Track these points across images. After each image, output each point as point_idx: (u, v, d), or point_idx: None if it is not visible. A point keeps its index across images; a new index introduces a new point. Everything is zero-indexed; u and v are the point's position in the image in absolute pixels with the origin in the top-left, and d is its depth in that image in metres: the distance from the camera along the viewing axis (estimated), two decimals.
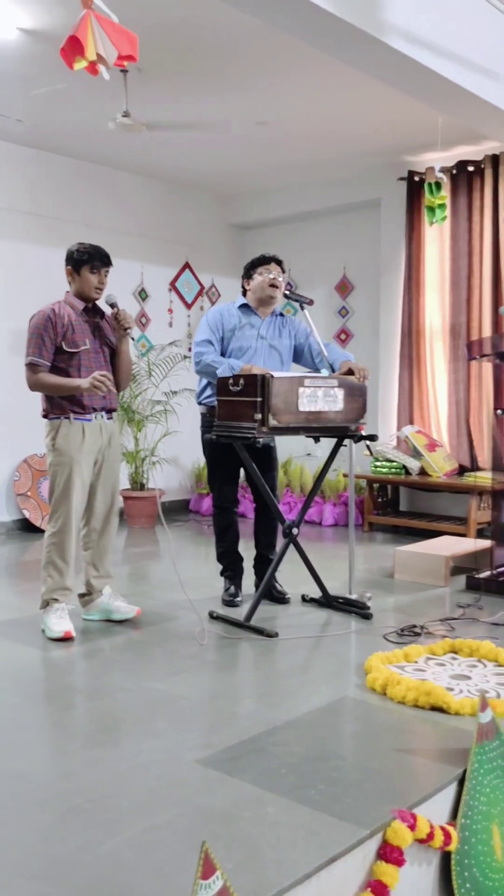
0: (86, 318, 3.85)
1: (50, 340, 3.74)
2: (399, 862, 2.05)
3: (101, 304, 3.92)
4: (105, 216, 7.14)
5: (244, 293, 4.37)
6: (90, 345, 3.82)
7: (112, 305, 3.86)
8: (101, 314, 3.94)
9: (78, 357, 3.78)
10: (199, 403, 4.41)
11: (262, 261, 4.30)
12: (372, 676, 3.11)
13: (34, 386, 3.79)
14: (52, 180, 6.81)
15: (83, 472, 3.79)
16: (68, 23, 4.35)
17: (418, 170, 6.80)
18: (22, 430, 6.55)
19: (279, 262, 4.32)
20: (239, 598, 4.37)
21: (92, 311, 3.90)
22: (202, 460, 7.82)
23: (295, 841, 2.01)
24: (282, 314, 4.42)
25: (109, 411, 3.91)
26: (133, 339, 3.91)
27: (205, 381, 4.34)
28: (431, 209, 5.37)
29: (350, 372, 4.08)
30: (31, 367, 3.75)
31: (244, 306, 4.35)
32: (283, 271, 4.33)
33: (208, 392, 4.30)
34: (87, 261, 3.79)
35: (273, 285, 4.25)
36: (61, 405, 3.77)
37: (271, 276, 4.24)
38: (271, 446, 4.40)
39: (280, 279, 4.26)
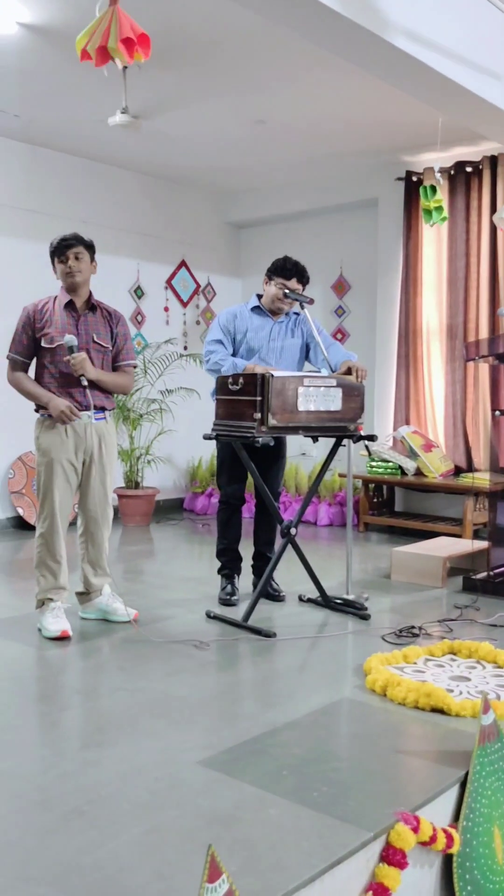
0: (71, 312, 3.80)
1: (28, 336, 3.77)
2: (402, 864, 2.04)
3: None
4: (101, 213, 7.11)
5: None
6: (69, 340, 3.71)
7: (70, 349, 3.69)
8: (94, 307, 3.88)
9: (56, 352, 3.74)
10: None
11: (285, 272, 4.23)
12: (372, 678, 3.10)
13: (10, 384, 3.82)
14: (49, 177, 6.78)
15: (66, 471, 3.75)
16: (68, 18, 4.34)
17: (416, 170, 6.79)
18: (16, 427, 6.50)
19: (301, 276, 4.25)
20: (236, 598, 4.35)
21: (84, 304, 3.84)
22: (197, 459, 7.82)
23: (298, 843, 1.99)
24: (296, 313, 4.40)
25: (100, 409, 3.80)
26: (84, 385, 3.69)
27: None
28: (428, 211, 5.35)
29: (349, 372, 4.07)
30: (9, 362, 3.81)
31: (256, 308, 4.34)
32: (305, 283, 4.29)
33: None
34: (54, 252, 3.79)
35: (283, 301, 4.24)
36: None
37: (284, 293, 4.21)
38: (281, 442, 4.38)
39: (286, 292, 4.21)
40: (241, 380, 3.78)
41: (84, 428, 3.77)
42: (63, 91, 5.42)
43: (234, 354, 4.27)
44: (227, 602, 4.31)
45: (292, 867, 1.89)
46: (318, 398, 3.86)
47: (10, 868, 1.89)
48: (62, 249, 3.77)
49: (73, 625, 3.76)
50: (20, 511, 6.49)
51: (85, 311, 3.84)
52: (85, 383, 3.69)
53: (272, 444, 3.81)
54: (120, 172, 7.31)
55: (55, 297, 3.85)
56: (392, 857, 2.03)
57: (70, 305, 3.81)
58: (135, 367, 4.07)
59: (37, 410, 3.82)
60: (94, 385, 3.76)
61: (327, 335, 4.44)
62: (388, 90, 5.04)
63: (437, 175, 5.40)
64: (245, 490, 4.49)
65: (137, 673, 3.26)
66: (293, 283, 4.23)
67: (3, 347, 6.40)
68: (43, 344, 3.74)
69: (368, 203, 7.23)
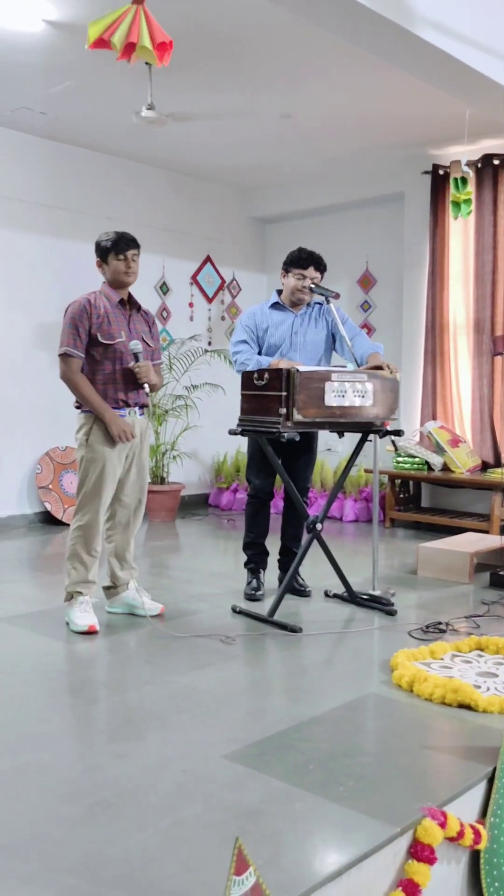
0: (121, 310, 3.83)
1: (84, 331, 3.71)
2: (430, 860, 2.03)
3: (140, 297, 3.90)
4: (127, 209, 7.13)
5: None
6: (126, 337, 3.79)
7: (135, 356, 3.77)
8: (138, 307, 3.92)
9: (113, 349, 3.76)
10: None
11: (300, 262, 4.23)
12: (398, 673, 3.09)
13: (67, 381, 3.75)
14: (74, 173, 6.81)
15: (115, 467, 3.78)
16: (93, 15, 4.34)
17: (443, 163, 6.74)
18: (44, 423, 6.58)
19: (318, 264, 4.25)
20: (261, 593, 4.36)
21: (128, 302, 3.88)
22: (222, 454, 7.83)
23: (324, 838, 2.00)
24: (319, 304, 4.39)
25: (142, 406, 3.89)
26: (147, 393, 3.83)
27: None
28: (457, 204, 5.32)
29: (378, 367, 4.04)
30: (65, 357, 3.71)
31: (276, 305, 4.34)
32: (322, 271, 4.28)
33: None
34: (112, 248, 3.77)
35: (302, 291, 4.24)
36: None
37: (303, 283, 4.21)
38: (311, 437, 4.38)
39: (312, 286, 4.21)
40: (266, 375, 3.78)
41: (132, 423, 3.81)
42: (89, 88, 5.44)
43: (259, 353, 4.28)
44: (252, 597, 4.32)
45: (319, 862, 1.89)
46: (347, 393, 3.84)
47: (39, 858, 1.90)
48: (124, 247, 3.77)
49: (100, 619, 3.78)
50: (48, 506, 6.54)
51: (132, 310, 3.87)
52: (147, 389, 3.79)
53: (298, 439, 3.80)
54: (145, 168, 7.33)
55: (100, 293, 3.82)
56: (420, 852, 2.03)
57: (121, 303, 3.84)
58: (161, 364, 4.12)
59: (79, 408, 3.82)
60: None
61: (353, 325, 4.41)
62: (415, 83, 5.00)
63: (465, 168, 5.36)
64: (274, 485, 4.49)
65: (164, 667, 3.28)
66: (311, 272, 4.22)
67: (29, 344, 6.49)
68: (101, 340, 3.72)
69: (394, 197, 7.19)
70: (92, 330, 3.71)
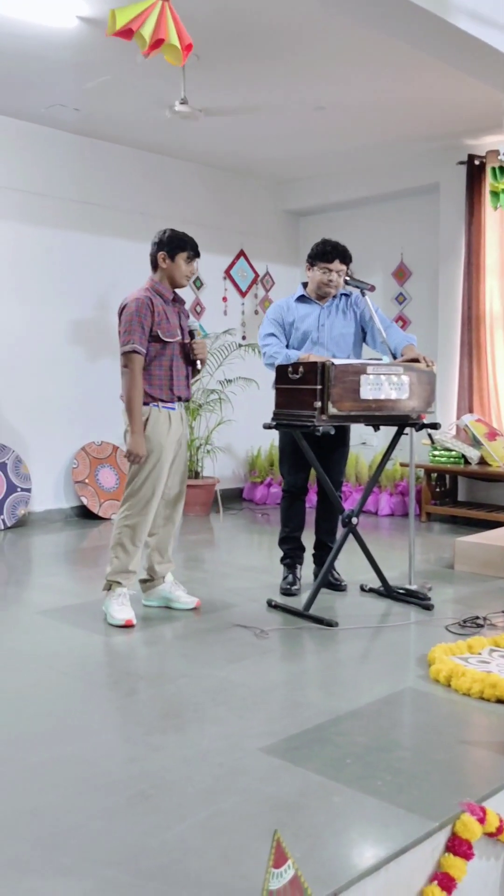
0: (173, 307, 3.86)
1: (147, 328, 3.73)
2: (468, 855, 2.02)
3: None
4: (160, 204, 7.15)
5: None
6: (181, 334, 3.85)
7: (191, 333, 3.88)
8: (182, 301, 3.95)
9: (171, 347, 3.80)
10: None
11: (325, 256, 4.20)
12: (436, 668, 3.07)
13: (129, 378, 3.72)
14: (107, 169, 6.84)
15: (169, 458, 3.82)
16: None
17: (478, 153, 6.66)
18: (79, 418, 6.63)
19: (343, 256, 4.21)
20: (297, 588, 4.35)
21: (175, 299, 3.91)
22: (256, 448, 7.83)
23: (362, 831, 1.99)
24: (345, 295, 4.36)
25: (186, 400, 3.95)
26: (198, 370, 3.93)
27: None
28: (496, 194, 5.25)
29: (414, 360, 4.01)
30: (131, 355, 3.71)
31: (301, 297, 4.32)
32: (348, 263, 4.25)
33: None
34: (185, 248, 3.80)
35: (328, 285, 4.22)
36: (151, 393, 3.77)
37: (329, 277, 4.20)
38: (344, 431, 4.36)
39: (339, 280, 4.19)
40: (301, 368, 3.76)
41: (180, 416, 3.87)
42: (122, 83, 5.46)
43: (287, 346, 4.26)
44: (288, 592, 4.31)
45: (357, 855, 1.89)
46: (383, 386, 3.81)
47: (78, 850, 1.92)
48: (195, 254, 3.85)
49: (136, 612, 3.80)
50: (84, 500, 6.59)
51: (179, 306, 3.92)
52: (199, 367, 3.88)
53: (332, 432, 3.78)
54: (177, 163, 7.33)
55: (151, 289, 3.82)
56: (458, 847, 2.01)
57: (174, 300, 3.89)
58: None
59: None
60: (188, 374, 3.91)
61: (385, 317, 4.37)
62: (449, 72, 4.95)
63: (502, 157, 5.28)
64: (307, 479, 4.48)
65: (200, 660, 3.29)
66: (336, 265, 4.19)
67: (64, 340, 6.54)
68: (163, 337, 3.77)
69: (429, 188, 7.12)
70: (153, 328, 3.74)
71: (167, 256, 3.81)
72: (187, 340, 3.88)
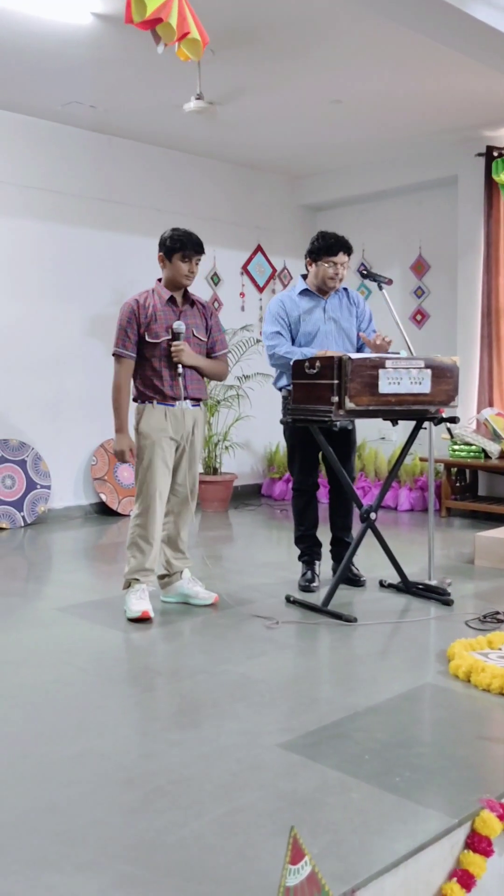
0: (172, 308, 3.85)
1: (133, 332, 3.79)
2: (487, 852, 2.00)
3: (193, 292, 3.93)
4: (176, 201, 7.14)
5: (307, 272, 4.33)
6: (172, 335, 3.82)
7: (175, 335, 3.80)
8: (192, 302, 3.93)
9: (161, 347, 3.79)
10: (279, 389, 4.38)
11: (330, 250, 4.17)
12: (455, 663, 3.04)
13: (116, 382, 3.84)
14: (124, 166, 6.85)
15: (165, 454, 3.81)
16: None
17: (497, 145, 6.60)
18: (99, 415, 6.63)
19: (346, 248, 4.19)
20: (315, 584, 4.33)
21: (182, 299, 3.89)
22: (274, 444, 7.82)
23: (381, 828, 1.97)
24: (345, 289, 4.34)
25: (196, 400, 3.91)
26: (179, 373, 3.81)
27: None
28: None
29: (377, 346, 4.02)
30: (116, 357, 3.83)
31: (304, 291, 4.29)
32: (350, 253, 4.24)
33: (284, 380, 4.27)
34: (179, 248, 3.78)
35: (334, 279, 4.20)
36: (145, 392, 3.82)
37: (334, 271, 4.17)
38: (349, 429, 4.34)
39: (343, 272, 4.17)
40: (318, 363, 3.75)
41: (182, 413, 3.85)
42: (138, 80, 5.46)
43: (291, 341, 4.24)
44: (307, 588, 4.30)
45: (375, 852, 1.87)
46: (403, 380, 3.78)
47: (95, 845, 1.92)
48: (191, 251, 3.79)
49: (154, 608, 3.81)
50: (103, 497, 6.61)
51: (184, 306, 3.89)
52: (180, 370, 3.80)
53: (350, 427, 3.76)
54: (194, 159, 7.32)
55: (152, 291, 3.86)
56: (477, 844, 1.99)
57: (171, 300, 3.86)
58: (228, 352, 4.16)
59: (135, 400, 3.88)
60: (192, 374, 3.85)
61: (370, 319, 4.39)
62: (466, 63, 4.91)
63: None
64: (317, 476, 4.46)
65: (218, 656, 3.28)
66: (341, 257, 4.16)
67: (82, 336, 6.56)
68: (148, 339, 3.78)
69: (448, 181, 7.07)
70: (140, 330, 3.78)
71: (165, 258, 3.82)
72: (170, 340, 3.81)
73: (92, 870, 1.82)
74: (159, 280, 3.90)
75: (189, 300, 3.92)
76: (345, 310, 4.30)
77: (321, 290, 4.27)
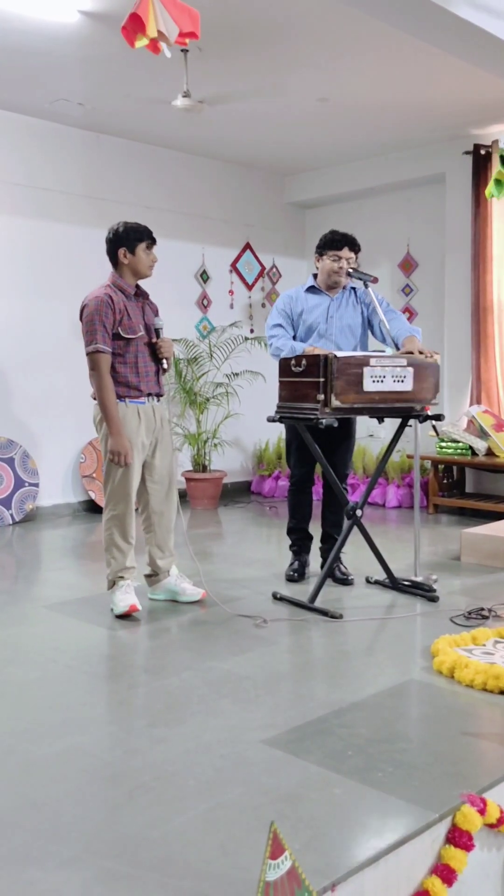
0: (135, 302, 3.83)
1: (109, 325, 3.70)
2: (468, 847, 2.02)
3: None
4: (164, 198, 7.14)
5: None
6: (143, 330, 3.81)
7: (157, 332, 3.83)
8: (145, 295, 3.92)
9: (135, 343, 3.77)
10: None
11: (334, 244, 4.21)
12: (439, 659, 3.06)
13: (96, 379, 3.71)
14: (112, 163, 6.84)
15: (139, 453, 3.80)
16: (129, 4, 4.34)
17: (484, 143, 6.62)
18: (87, 413, 6.60)
19: (352, 244, 4.23)
20: (301, 575, 4.37)
21: (137, 292, 3.88)
22: (264, 442, 7.83)
23: (363, 823, 1.99)
24: (353, 288, 4.37)
25: (158, 396, 3.91)
26: (165, 370, 3.87)
27: None
28: (500, 182, 5.22)
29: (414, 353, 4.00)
30: (94, 355, 3.70)
31: (311, 288, 4.32)
32: (357, 251, 4.26)
33: None
34: (143, 239, 3.77)
35: (339, 273, 4.21)
36: (117, 390, 3.75)
37: (339, 265, 4.20)
38: (350, 423, 4.36)
39: (349, 267, 4.19)
40: (303, 361, 3.76)
41: (153, 411, 3.84)
42: (125, 77, 5.45)
43: (294, 336, 4.26)
44: (291, 578, 4.34)
45: (356, 847, 1.89)
46: (386, 378, 3.80)
47: (78, 841, 1.93)
48: (153, 240, 3.81)
49: (142, 605, 3.82)
50: (92, 495, 6.61)
51: (140, 299, 3.88)
52: (166, 366, 3.83)
53: (336, 425, 3.77)
54: (182, 156, 7.32)
55: (111, 285, 3.80)
56: (458, 838, 2.01)
57: (135, 294, 3.85)
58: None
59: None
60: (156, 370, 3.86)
61: (392, 309, 4.37)
62: (453, 62, 4.92)
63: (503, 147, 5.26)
64: (314, 472, 4.48)
65: (204, 653, 3.30)
66: (346, 252, 4.20)
67: (69, 334, 6.55)
68: (124, 335, 3.74)
69: (435, 178, 7.09)
70: (114, 326, 3.72)
71: (127, 251, 3.78)
72: (154, 339, 3.84)
73: (75, 866, 1.84)
74: (112, 276, 3.83)
75: (143, 294, 3.90)
76: (350, 307, 4.32)
77: (329, 288, 4.30)
